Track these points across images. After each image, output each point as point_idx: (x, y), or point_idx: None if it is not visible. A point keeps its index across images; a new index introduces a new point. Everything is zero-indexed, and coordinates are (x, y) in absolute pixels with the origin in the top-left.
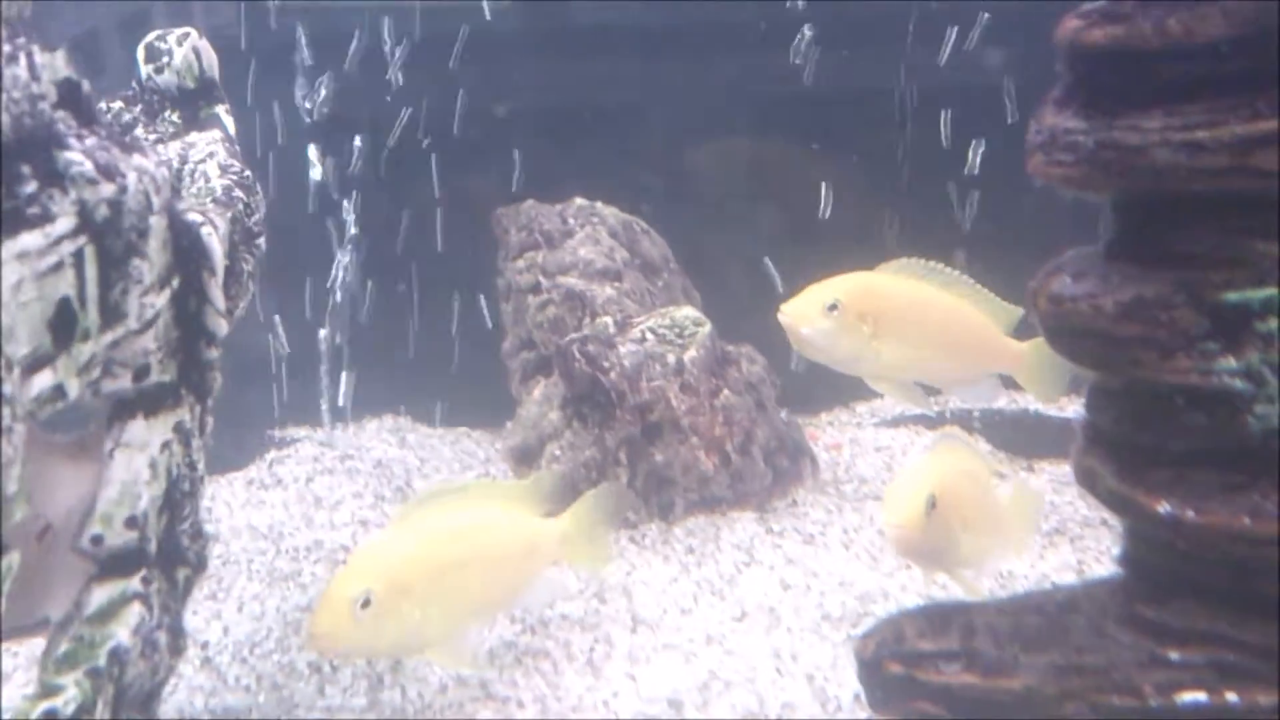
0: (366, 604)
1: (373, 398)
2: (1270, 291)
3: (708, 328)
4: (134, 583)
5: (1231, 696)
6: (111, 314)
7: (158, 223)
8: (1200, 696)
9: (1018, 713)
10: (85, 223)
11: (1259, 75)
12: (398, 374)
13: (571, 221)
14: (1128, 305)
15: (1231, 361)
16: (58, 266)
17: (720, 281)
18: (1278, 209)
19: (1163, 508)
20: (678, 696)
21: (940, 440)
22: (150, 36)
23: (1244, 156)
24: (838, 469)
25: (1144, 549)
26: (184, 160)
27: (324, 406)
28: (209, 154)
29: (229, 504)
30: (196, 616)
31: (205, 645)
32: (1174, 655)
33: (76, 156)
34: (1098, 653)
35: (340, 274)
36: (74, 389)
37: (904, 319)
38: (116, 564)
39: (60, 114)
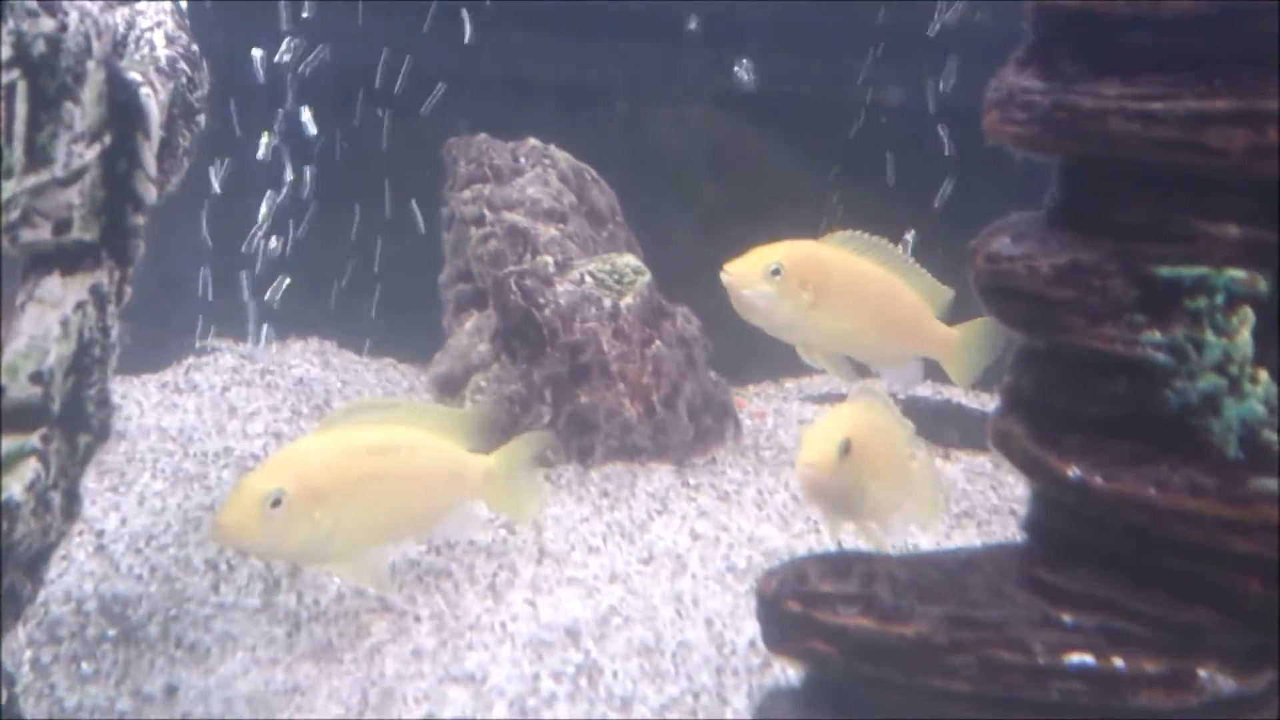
0: (277, 503)
1: (301, 320)
2: (1202, 270)
3: (647, 277)
4: (33, 439)
5: (1119, 662)
6: (37, 156)
7: (95, 71)
8: (1088, 659)
9: (908, 659)
10: (20, 55)
11: (1219, 54)
12: (328, 299)
13: (523, 160)
14: (1062, 269)
15: (1157, 334)
16: None
17: (664, 246)
18: (1221, 189)
19: (1072, 472)
20: (576, 627)
21: (859, 393)
22: None
23: (1195, 132)
24: (760, 435)
25: (1049, 514)
26: (130, 26)
27: (249, 319)
28: (157, 23)
29: (140, 404)
30: (94, 506)
31: (101, 534)
32: (1067, 618)
33: None
34: (992, 609)
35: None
36: None
37: (844, 291)
38: (16, 418)
39: None
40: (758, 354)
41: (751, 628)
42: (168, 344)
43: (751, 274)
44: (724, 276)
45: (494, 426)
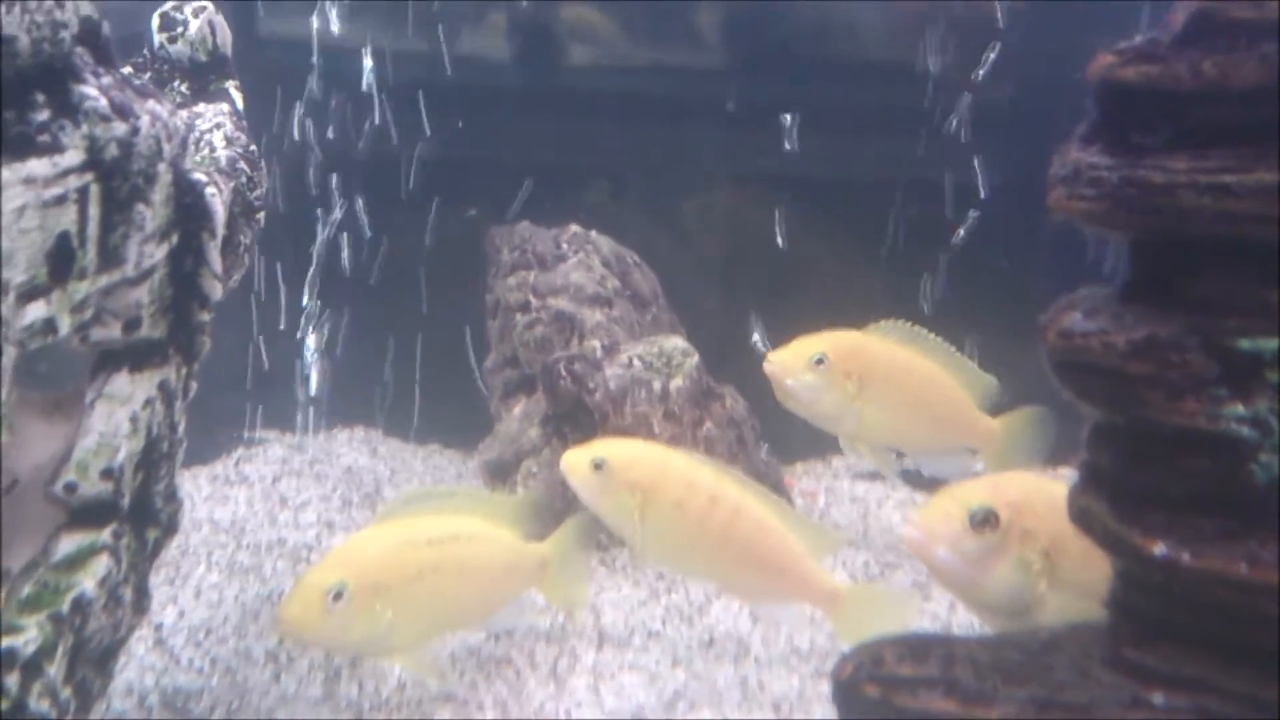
0: (339, 596)
1: (346, 409)
2: None
3: (695, 359)
4: (104, 535)
5: None
6: (110, 257)
7: (165, 173)
8: None
9: None
10: (94, 160)
11: None
12: (373, 387)
13: (565, 246)
14: (1139, 344)
15: (1240, 408)
16: (62, 199)
17: (704, 327)
18: None
19: (1158, 549)
20: (642, 713)
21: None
22: (166, 5)
23: (1269, 204)
24: (812, 515)
25: (1134, 592)
26: (190, 129)
27: (298, 411)
28: (216, 125)
29: (192, 497)
30: (151, 600)
31: (159, 627)
32: (1158, 698)
33: (92, 91)
34: (1079, 690)
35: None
36: (65, 326)
37: (887, 382)
38: (88, 514)
39: (79, 49)
40: (804, 432)
41: (820, 711)
42: (216, 436)
43: (795, 363)
44: (767, 366)
45: (547, 511)
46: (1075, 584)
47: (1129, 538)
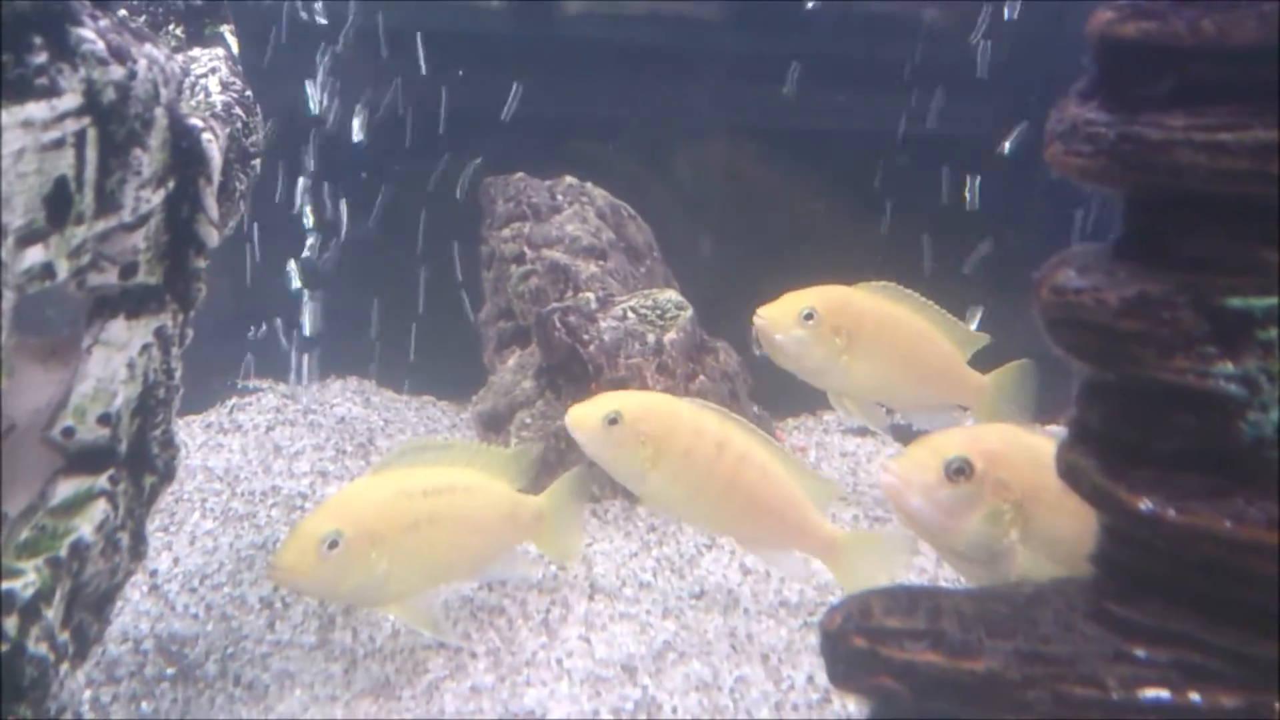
0: (334, 545)
1: (341, 359)
2: (1273, 300)
3: (689, 312)
4: (101, 480)
5: (1195, 696)
6: (106, 202)
7: (161, 117)
8: (1164, 694)
9: (979, 694)
10: (91, 103)
11: None
12: (368, 338)
13: (560, 198)
14: (1131, 301)
15: (1229, 366)
16: (59, 143)
17: (698, 281)
18: None
19: (1144, 505)
20: (632, 663)
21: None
22: None
23: (1264, 162)
24: None
25: (1119, 547)
26: (185, 73)
27: (291, 360)
28: (211, 69)
29: (186, 445)
30: (148, 545)
31: (154, 574)
32: (1140, 652)
33: (89, 34)
34: (1063, 644)
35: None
36: (63, 270)
37: (876, 338)
38: (85, 459)
39: None
40: (794, 388)
41: (808, 663)
42: (211, 384)
43: (784, 318)
44: (756, 320)
45: (542, 464)
46: (1047, 537)
47: (1115, 493)
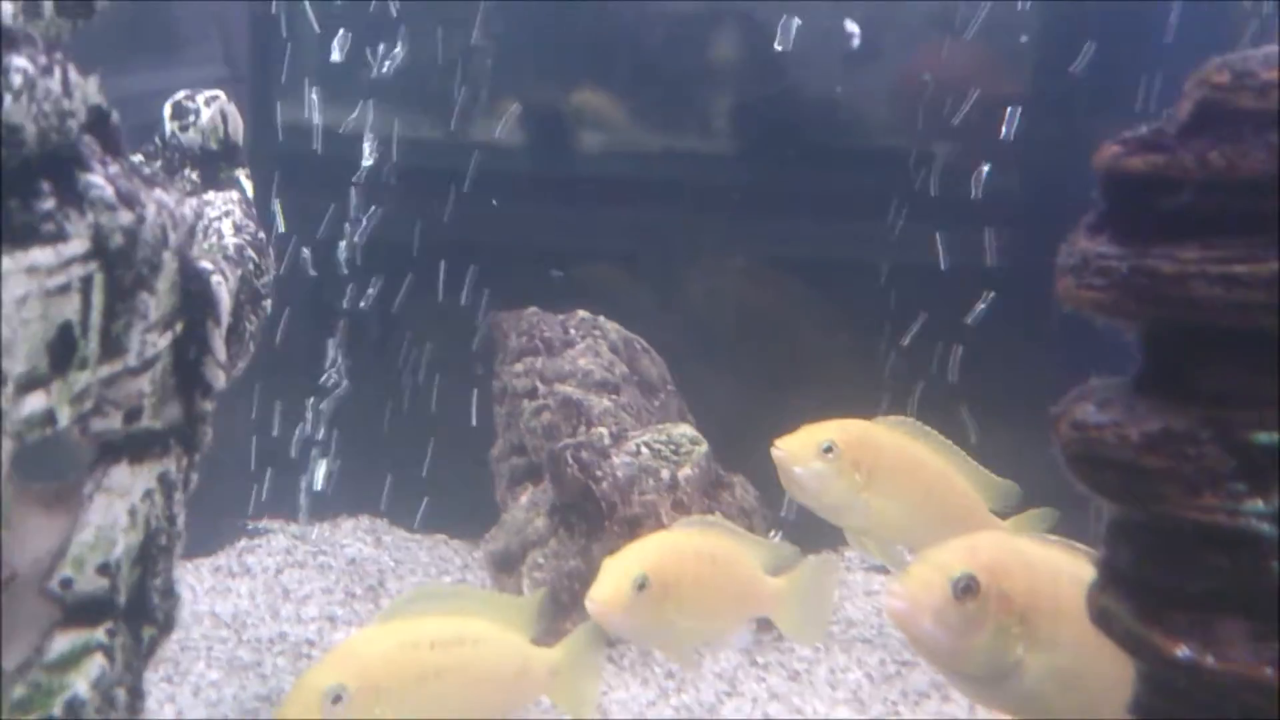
0: (338, 699)
1: (350, 498)
2: None
3: (704, 447)
4: (98, 633)
5: None
6: (112, 347)
7: (170, 261)
8: None
9: None
10: (98, 248)
11: None
12: (376, 476)
13: (573, 332)
14: (1154, 437)
15: (1259, 504)
16: (65, 288)
17: (713, 415)
18: None
19: (1181, 651)
20: None
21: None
22: (179, 94)
23: None
24: None
25: (1158, 695)
26: (199, 216)
27: (300, 501)
28: (225, 212)
29: (193, 589)
30: (149, 698)
31: None
32: None
33: (98, 180)
34: None
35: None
36: (65, 417)
37: (898, 475)
38: (83, 612)
39: (86, 138)
40: (814, 523)
41: None
42: (220, 525)
43: (803, 451)
44: (774, 453)
45: (555, 606)
46: (1051, 646)
47: (1150, 638)
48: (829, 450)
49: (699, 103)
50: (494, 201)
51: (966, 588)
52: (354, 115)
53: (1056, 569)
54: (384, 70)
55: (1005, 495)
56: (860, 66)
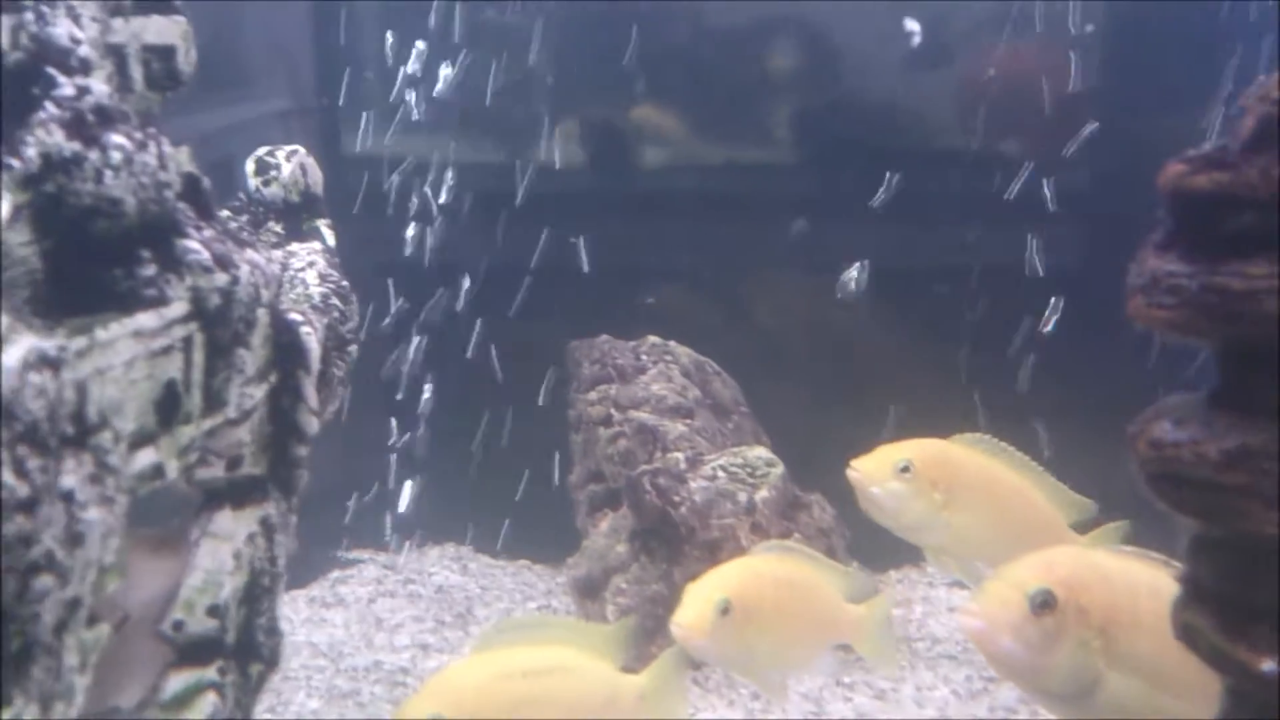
0: None
1: (436, 526)
2: None
3: (780, 468)
4: (210, 672)
5: None
6: (213, 401)
7: (263, 316)
8: None
9: None
10: (198, 310)
11: None
12: (461, 504)
13: (644, 358)
14: (1232, 454)
15: None
16: (168, 349)
17: (788, 435)
18: None
19: (1267, 666)
20: None
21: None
22: (260, 151)
23: None
24: (909, 626)
25: (1243, 710)
26: (285, 267)
27: (388, 531)
28: (309, 263)
29: (291, 620)
30: None
31: None
32: None
33: (194, 245)
34: None
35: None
36: (172, 470)
37: (976, 493)
38: (195, 652)
39: (182, 205)
40: (895, 540)
41: None
42: (313, 558)
43: (879, 471)
44: (850, 473)
45: (640, 631)
46: (1130, 659)
47: (1235, 654)
48: (905, 470)
49: (761, 113)
50: (576, 239)
51: (1044, 603)
52: (417, 141)
53: (1133, 581)
54: (446, 96)
55: (1082, 510)
56: (928, 68)
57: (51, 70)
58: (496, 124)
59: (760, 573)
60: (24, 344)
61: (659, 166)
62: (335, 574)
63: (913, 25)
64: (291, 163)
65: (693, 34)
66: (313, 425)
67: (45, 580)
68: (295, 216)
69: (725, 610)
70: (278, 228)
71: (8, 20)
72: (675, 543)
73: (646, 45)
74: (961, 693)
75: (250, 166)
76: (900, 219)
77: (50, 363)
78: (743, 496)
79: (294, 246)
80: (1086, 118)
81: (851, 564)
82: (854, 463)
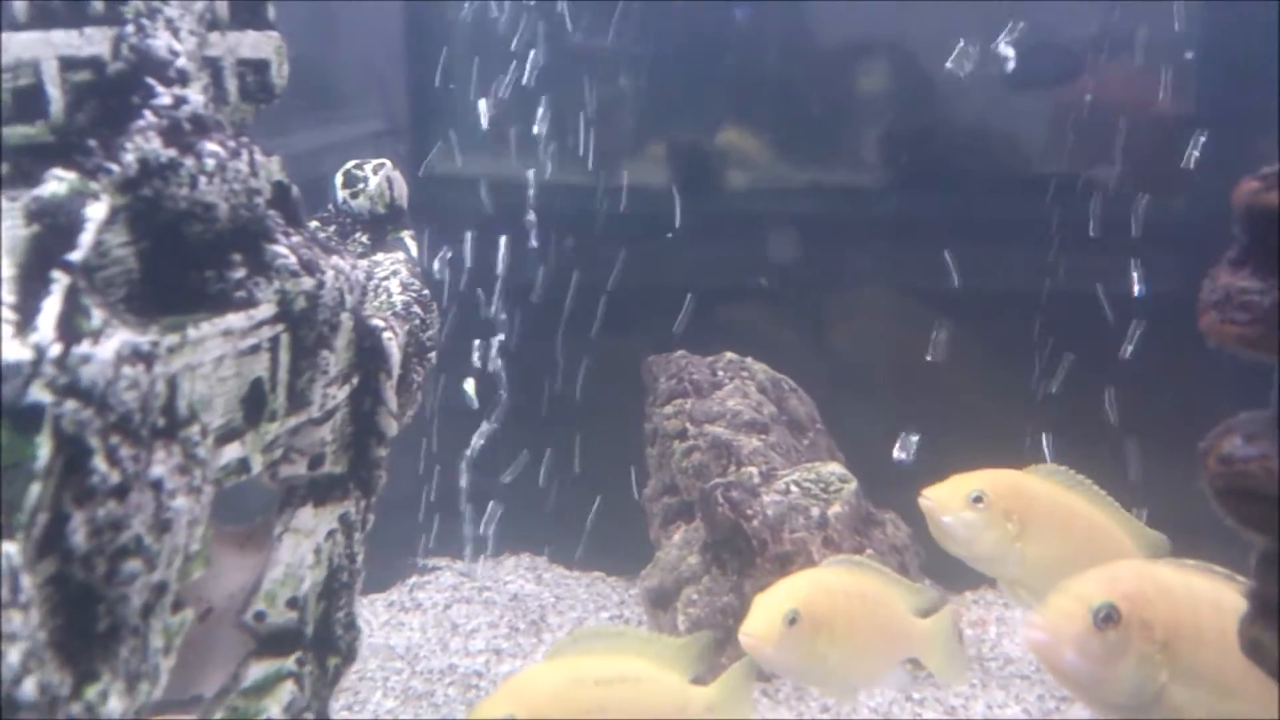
0: None
1: (513, 536)
2: None
3: (853, 485)
4: (289, 662)
5: None
6: (297, 400)
7: (347, 320)
8: None
9: None
10: (284, 312)
11: None
12: (536, 515)
13: (721, 374)
14: None
15: None
16: (256, 349)
17: (864, 452)
18: None
19: None
20: None
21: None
22: (349, 164)
23: None
24: (983, 645)
25: None
26: (369, 276)
27: (465, 539)
28: (393, 272)
29: (369, 623)
30: None
31: None
32: None
33: (283, 250)
34: None
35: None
36: (257, 465)
37: (1051, 525)
38: (275, 642)
39: (272, 212)
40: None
41: None
42: (393, 563)
43: (952, 500)
44: (922, 502)
45: (713, 649)
46: (1193, 672)
47: None
48: (979, 500)
49: (843, 136)
50: (669, 234)
51: (1107, 617)
52: (506, 162)
53: (1195, 594)
54: (536, 120)
55: (1155, 546)
56: (1014, 90)
57: (150, 80)
58: (581, 146)
59: (828, 584)
60: (118, 338)
61: (743, 188)
62: (413, 580)
63: (1007, 50)
64: (378, 176)
65: (779, 58)
66: (392, 427)
67: (133, 564)
68: (380, 227)
69: (793, 620)
70: (364, 238)
71: (110, 32)
72: (747, 555)
73: (733, 70)
74: (1033, 712)
75: (339, 179)
76: (983, 242)
77: (143, 357)
78: (815, 511)
79: (379, 256)
80: (1182, 140)
81: (923, 581)
82: (926, 491)
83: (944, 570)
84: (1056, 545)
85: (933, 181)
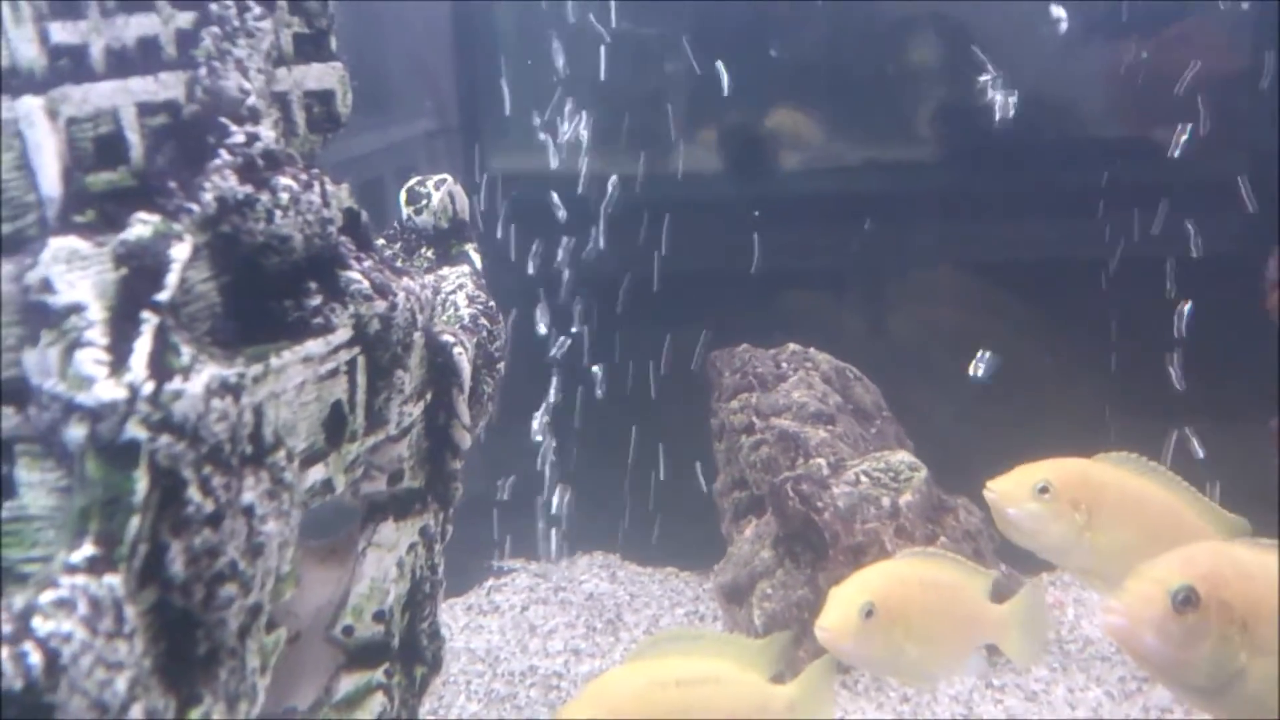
0: None
1: (585, 535)
2: None
3: (923, 473)
4: (378, 674)
5: None
6: (375, 419)
7: (419, 339)
8: None
9: None
10: (359, 335)
11: None
12: (609, 513)
13: (785, 365)
14: None
15: None
16: (334, 372)
17: (932, 438)
18: None
19: None
20: None
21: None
22: (412, 181)
23: None
24: (1061, 628)
25: None
26: (436, 291)
27: (540, 540)
28: (459, 285)
29: (450, 627)
30: None
31: None
32: None
33: (356, 275)
34: None
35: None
36: (340, 485)
37: (1121, 513)
38: (363, 655)
39: (343, 238)
40: None
41: None
42: (469, 567)
43: (1017, 492)
44: (987, 494)
45: (792, 647)
46: (1272, 649)
47: None
48: (1044, 490)
49: (899, 110)
50: (756, 214)
51: (1186, 599)
52: (559, 155)
53: (1273, 573)
54: (584, 114)
55: (1235, 529)
56: (1075, 54)
57: (224, 119)
58: (634, 135)
59: (903, 575)
60: (207, 373)
61: (798, 170)
62: (490, 583)
63: (1059, 12)
64: (440, 191)
65: (830, 35)
66: (465, 440)
67: (230, 589)
68: (445, 242)
69: (869, 613)
70: (429, 253)
71: (183, 76)
72: (819, 548)
73: (783, 49)
74: (1115, 694)
75: (403, 197)
76: (1049, 215)
77: (231, 389)
78: (886, 501)
79: (444, 270)
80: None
81: (1000, 566)
82: (990, 483)
83: (1019, 554)
84: (1128, 533)
85: (994, 153)
